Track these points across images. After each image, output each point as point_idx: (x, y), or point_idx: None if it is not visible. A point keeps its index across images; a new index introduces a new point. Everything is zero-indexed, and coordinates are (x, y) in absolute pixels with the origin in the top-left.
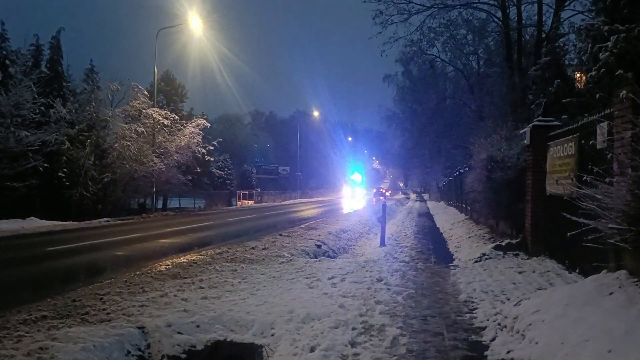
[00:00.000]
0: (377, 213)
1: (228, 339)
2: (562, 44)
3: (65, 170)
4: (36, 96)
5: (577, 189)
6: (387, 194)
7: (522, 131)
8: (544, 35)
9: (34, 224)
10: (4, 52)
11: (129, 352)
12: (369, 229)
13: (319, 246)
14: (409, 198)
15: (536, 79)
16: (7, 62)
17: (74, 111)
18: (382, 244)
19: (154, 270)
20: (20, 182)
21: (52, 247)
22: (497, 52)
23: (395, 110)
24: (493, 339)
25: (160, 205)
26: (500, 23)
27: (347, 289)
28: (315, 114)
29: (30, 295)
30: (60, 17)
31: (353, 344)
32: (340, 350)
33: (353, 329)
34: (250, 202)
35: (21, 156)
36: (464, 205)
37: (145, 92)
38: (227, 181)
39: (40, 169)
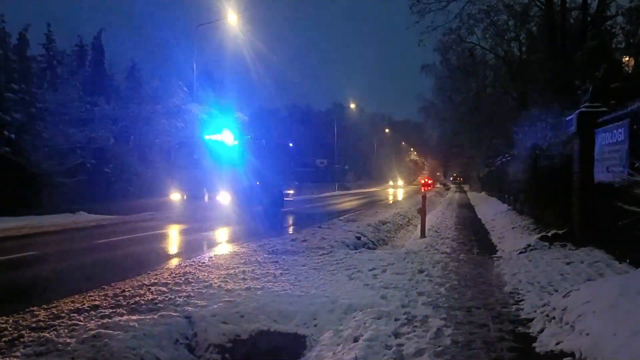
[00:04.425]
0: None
1: (272, 329)
2: (608, 27)
3: (110, 166)
4: (82, 94)
5: (629, 177)
6: (430, 182)
7: (568, 118)
8: (589, 19)
9: (84, 217)
10: (52, 53)
11: (177, 340)
12: (409, 221)
13: (358, 238)
14: (448, 189)
15: (582, 64)
16: (55, 62)
17: (117, 108)
18: (423, 235)
19: (197, 262)
20: (70, 178)
21: (101, 240)
22: (540, 38)
23: (433, 101)
24: (541, 331)
25: None
26: (543, 7)
27: (389, 280)
28: (352, 106)
29: (82, 285)
30: (100, 14)
31: (397, 335)
32: (384, 340)
33: (396, 319)
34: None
35: (70, 153)
36: (506, 196)
37: (184, 88)
38: None
39: (88, 165)
